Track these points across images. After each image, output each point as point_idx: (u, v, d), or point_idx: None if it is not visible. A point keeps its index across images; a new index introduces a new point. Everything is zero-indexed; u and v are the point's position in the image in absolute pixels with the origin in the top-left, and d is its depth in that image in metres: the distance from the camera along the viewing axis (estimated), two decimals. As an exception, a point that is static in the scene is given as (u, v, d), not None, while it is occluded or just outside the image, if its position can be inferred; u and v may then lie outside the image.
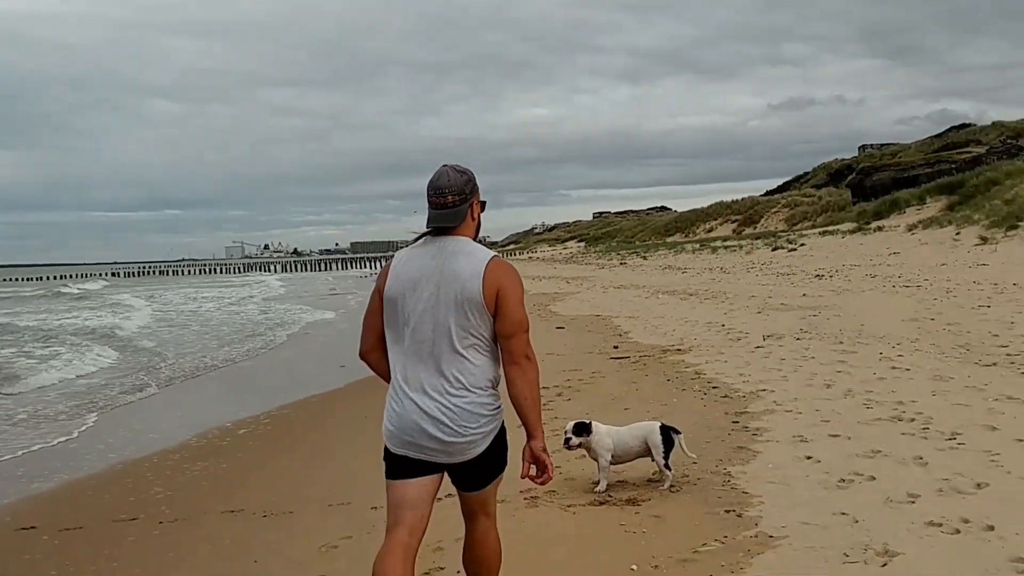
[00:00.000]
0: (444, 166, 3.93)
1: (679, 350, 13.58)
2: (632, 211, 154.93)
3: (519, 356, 3.86)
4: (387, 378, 3.97)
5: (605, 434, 6.49)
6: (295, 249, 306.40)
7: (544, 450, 3.93)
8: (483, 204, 4.05)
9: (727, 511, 5.78)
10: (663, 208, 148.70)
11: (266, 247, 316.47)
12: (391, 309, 3.87)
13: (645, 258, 55.97)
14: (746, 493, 6.14)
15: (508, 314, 3.83)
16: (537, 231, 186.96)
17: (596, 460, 6.56)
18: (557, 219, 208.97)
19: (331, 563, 5.50)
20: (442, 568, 5.17)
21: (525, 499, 6.36)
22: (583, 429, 6.36)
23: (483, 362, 3.85)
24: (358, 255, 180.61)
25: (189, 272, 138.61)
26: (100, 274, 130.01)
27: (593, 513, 6.00)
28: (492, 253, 3.90)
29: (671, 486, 6.41)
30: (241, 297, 50.16)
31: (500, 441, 3.93)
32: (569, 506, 6.17)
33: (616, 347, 14.62)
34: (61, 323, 32.07)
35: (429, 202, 3.89)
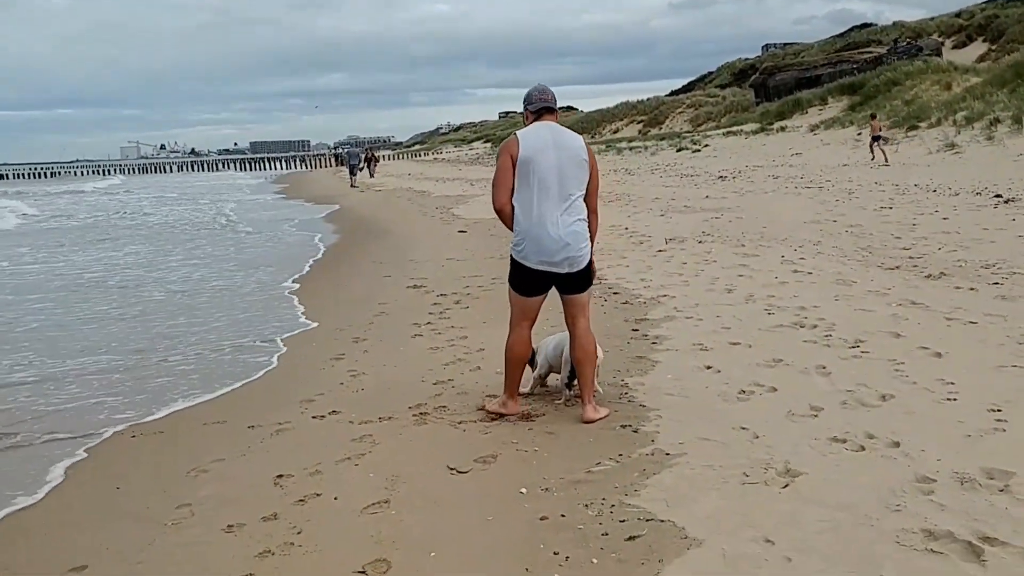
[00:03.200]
0: (538, 84, 5.89)
1: (581, 254, 13.22)
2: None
3: (596, 207, 5.75)
4: (511, 223, 5.63)
5: (542, 347, 6.30)
6: (192, 149, 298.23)
7: (593, 262, 5.77)
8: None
9: (623, 426, 5.47)
10: (569, 108, 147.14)
11: (163, 147, 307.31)
12: (524, 168, 5.51)
13: (551, 159, 55.42)
14: (643, 406, 5.84)
15: (595, 176, 5.71)
16: (443, 131, 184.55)
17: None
18: (463, 119, 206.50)
19: (196, 489, 5.02)
20: (319, 494, 4.73)
21: (414, 416, 5.98)
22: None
23: (582, 203, 5.61)
24: (259, 155, 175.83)
25: (82, 174, 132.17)
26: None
27: (484, 430, 5.62)
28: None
29: (567, 400, 6.08)
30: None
31: (590, 261, 5.70)
32: (460, 423, 5.80)
33: (518, 251, 14.22)
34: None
35: (538, 98, 5.76)
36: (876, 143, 28.39)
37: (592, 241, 5.69)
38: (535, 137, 5.57)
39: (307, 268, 15.24)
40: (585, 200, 5.63)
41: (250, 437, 5.90)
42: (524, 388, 6.26)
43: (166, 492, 5.02)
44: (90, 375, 8.18)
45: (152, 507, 4.81)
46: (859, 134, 35.33)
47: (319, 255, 17.16)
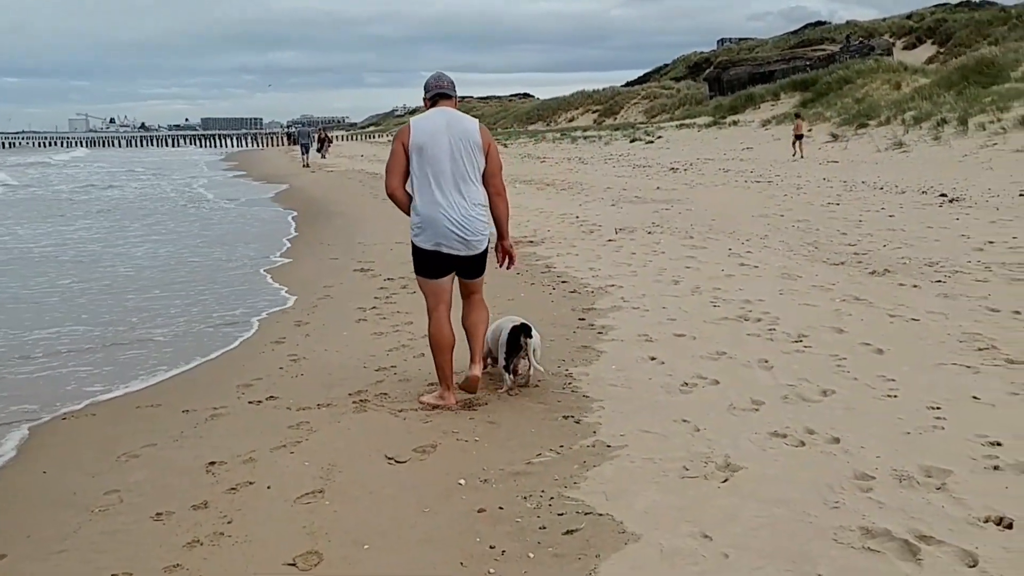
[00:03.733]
0: (436, 71, 5.90)
1: (531, 242, 13.20)
2: (495, 96, 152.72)
3: (500, 189, 5.81)
4: (406, 207, 5.77)
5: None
6: (143, 124, 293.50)
7: (511, 245, 6.04)
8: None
9: (565, 417, 5.42)
10: (526, 95, 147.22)
11: (112, 121, 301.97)
12: (417, 154, 5.59)
13: (506, 146, 55.32)
14: (587, 397, 5.80)
15: (493, 158, 5.74)
16: (398, 113, 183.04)
17: None
18: (418, 102, 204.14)
19: (127, 475, 4.88)
20: (251, 483, 4.61)
21: (353, 403, 5.88)
22: None
23: (479, 188, 5.70)
24: (210, 132, 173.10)
25: (31, 145, 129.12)
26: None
27: (424, 419, 5.53)
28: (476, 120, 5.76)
29: (508, 389, 6.02)
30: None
31: (487, 247, 5.82)
32: (400, 411, 5.71)
33: (467, 237, 14.09)
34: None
35: (434, 86, 5.80)
36: (798, 141, 30.44)
37: (505, 223, 5.91)
38: (428, 123, 5.67)
39: (286, 246, 15.05)
40: (486, 183, 5.75)
41: (184, 422, 5.76)
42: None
43: (95, 477, 4.88)
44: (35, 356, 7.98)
45: (79, 493, 4.67)
46: (809, 130, 35.69)
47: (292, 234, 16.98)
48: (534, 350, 5.98)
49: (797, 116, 33.70)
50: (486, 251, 5.81)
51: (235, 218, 21.30)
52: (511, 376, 6.04)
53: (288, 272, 12.18)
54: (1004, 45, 41.32)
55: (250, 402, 6.06)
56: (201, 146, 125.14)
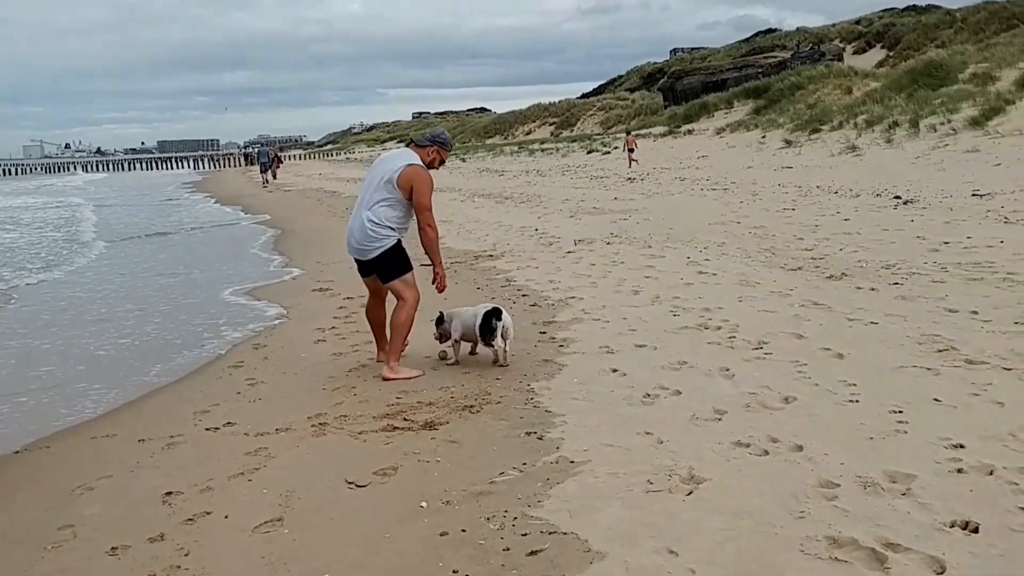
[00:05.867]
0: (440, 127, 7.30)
1: (491, 256, 13.17)
2: (452, 111, 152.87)
3: (423, 224, 6.80)
4: None
5: (457, 316, 7.17)
6: (99, 148, 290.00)
7: (436, 272, 7.02)
8: (442, 161, 7.11)
9: (528, 433, 5.35)
10: (483, 109, 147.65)
11: (67, 146, 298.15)
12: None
13: (464, 160, 55.35)
14: (549, 412, 5.73)
15: (415, 198, 6.75)
16: (356, 131, 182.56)
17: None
18: (376, 119, 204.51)
19: (84, 508, 4.75)
20: (208, 513, 4.50)
21: (312, 426, 5.78)
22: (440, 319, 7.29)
23: (383, 212, 6.76)
24: (167, 155, 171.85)
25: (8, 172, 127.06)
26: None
27: (385, 440, 5.44)
28: (411, 162, 6.80)
29: (495, 362, 6.97)
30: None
31: (390, 256, 6.85)
32: (360, 432, 5.61)
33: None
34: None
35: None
36: (631, 154, 34.95)
37: (431, 252, 6.93)
38: (379, 158, 7.20)
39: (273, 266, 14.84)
40: (416, 217, 6.86)
41: (140, 451, 5.63)
42: (450, 360, 7.25)
43: (48, 512, 4.76)
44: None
45: (32, 528, 4.55)
46: (763, 137, 36.01)
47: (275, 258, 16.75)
48: (504, 330, 6.83)
49: (627, 132, 39.26)
50: (381, 258, 6.86)
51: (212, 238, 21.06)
52: (494, 352, 6.93)
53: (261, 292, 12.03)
54: (951, 48, 42.10)
55: (207, 429, 5.94)
56: (157, 169, 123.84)
